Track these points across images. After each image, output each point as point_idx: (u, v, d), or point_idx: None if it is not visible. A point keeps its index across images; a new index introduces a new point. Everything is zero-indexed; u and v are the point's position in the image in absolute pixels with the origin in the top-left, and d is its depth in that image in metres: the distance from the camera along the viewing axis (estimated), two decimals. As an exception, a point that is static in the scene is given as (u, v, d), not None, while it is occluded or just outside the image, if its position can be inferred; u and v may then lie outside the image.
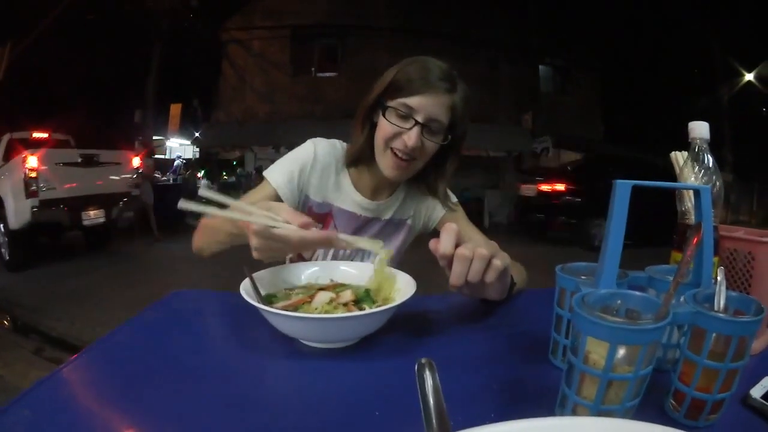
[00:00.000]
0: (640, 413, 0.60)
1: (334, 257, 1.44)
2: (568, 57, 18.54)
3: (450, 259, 0.88)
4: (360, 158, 1.43)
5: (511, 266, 1.27)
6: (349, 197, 1.47)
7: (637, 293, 0.64)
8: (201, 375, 0.77)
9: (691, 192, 0.86)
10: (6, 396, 0.66)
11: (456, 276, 0.88)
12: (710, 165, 0.86)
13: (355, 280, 1.08)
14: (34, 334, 4.60)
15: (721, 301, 0.63)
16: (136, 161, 8.86)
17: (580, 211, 10.09)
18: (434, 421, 0.38)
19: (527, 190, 11.61)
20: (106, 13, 14.97)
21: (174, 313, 1.11)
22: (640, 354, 0.54)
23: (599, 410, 0.57)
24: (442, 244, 0.89)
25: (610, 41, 18.04)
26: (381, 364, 0.83)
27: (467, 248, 0.88)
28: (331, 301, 0.93)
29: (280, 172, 1.41)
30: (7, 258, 7.13)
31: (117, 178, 8.28)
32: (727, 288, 0.64)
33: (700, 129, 0.86)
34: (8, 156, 7.50)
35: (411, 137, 1.25)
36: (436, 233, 1.46)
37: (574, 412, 0.60)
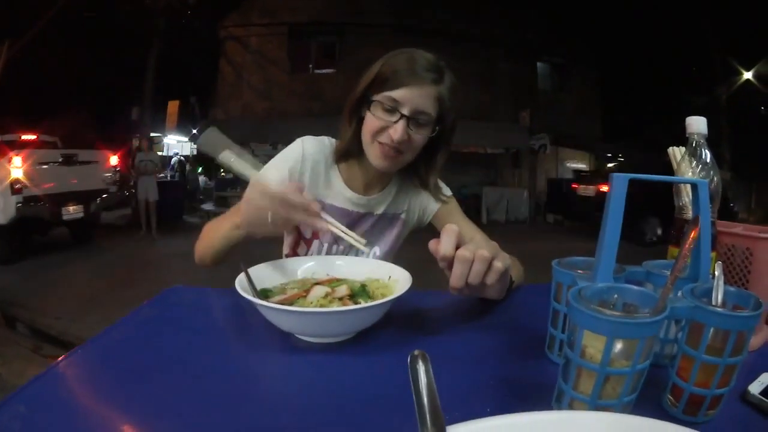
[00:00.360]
0: (637, 409, 0.60)
1: (329, 252, 1.43)
2: (566, 54, 18.56)
3: (450, 261, 0.87)
4: (349, 153, 1.42)
5: (510, 264, 1.27)
6: (340, 194, 1.46)
7: (635, 287, 0.63)
8: (197, 370, 0.77)
9: (688, 186, 0.85)
10: (4, 394, 0.66)
11: (456, 278, 0.87)
12: (708, 160, 0.86)
13: (351, 275, 1.08)
14: (32, 332, 4.60)
15: (719, 295, 0.62)
16: (114, 159, 9.55)
17: (635, 209, 10.28)
18: (427, 413, 0.38)
19: (585, 190, 12.43)
20: (103, 10, 14.94)
21: (170, 309, 1.11)
22: (637, 348, 0.54)
23: (596, 405, 0.56)
24: (443, 246, 0.87)
25: (609, 38, 18.05)
26: (377, 358, 0.83)
27: (468, 250, 0.87)
28: (327, 295, 0.93)
29: (271, 174, 1.40)
30: (-2, 252, 7.62)
31: (95, 175, 8.95)
32: (725, 283, 0.63)
33: (697, 124, 0.86)
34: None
35: (397, 131, 1.24)
36: (431, 227, 1.45)
37: (570, 407, 0.59)
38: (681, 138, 0.90)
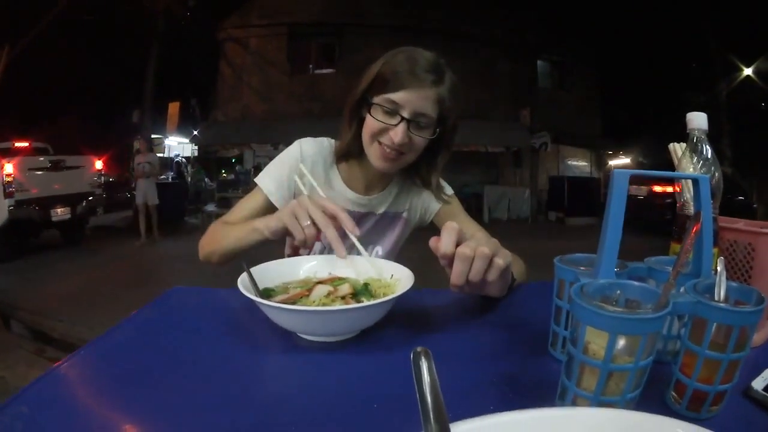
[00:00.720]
0: (641, 405, 0.59)
1: (330, 253, 1.44)
2: (566, 52, 18.56)
3: (451, 259, 0.87)
4: (350, 153, 1.42)
5: (512, 261, 1.27)
6: (340, 194, 1.46)
7: (637, 283, 0.63)
8: (199, 371, 0.77)
9: (690, 182, 0.85)
10: (7, 398, 0.67)
11: (457, 275, 0.87)
12: (709, 155, 0.85)
13: (353, 274, 1.08)
14: (33, 334, 4.60)
15: (721, 291, 0.62)
16: (99, 164, 10.22)
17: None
18: (431, 410, 0.38)
19: (637, 191, 12.62)
20: (102, 13, 14.95)
21: (172, 310, 1.11)
22: (640, 344, 0.54)
23: (600, 401, 0.56)
24: (443, 243, 0.87)
25: (608, 35, 18.04)
26: (380, 357, 0.83)
27: (468, 247, 0.87)
28: (329, 294, 0.93)
29: (270, 178, 1.42)
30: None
31: (81, 179, 9.56)
32: (727, 278, 0.63)
33: (698, 120, 0.86)
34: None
35: (397, 134, 1.23)
36: (433, 227, 1.45)
37: (574, 404, 0.59)
38: (681, 134, 0.90)
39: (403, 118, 1.23)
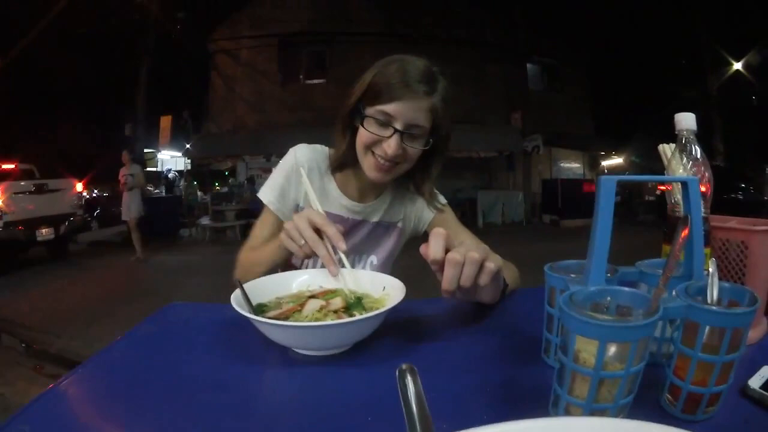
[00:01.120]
0: (635, 409, 0.59)
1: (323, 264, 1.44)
2: (556, 54, 18.63)
3: (441, 264, 0.88)
4: (345, 164, 1.42)
5: (504, 267, 1.27)
6: (336, 201, 1.46)
7: (627, 289, 0.63)
8: (197, 387, 0.77)
9: (680, 184, 0.85)
10: (8, 415, 0.67)
11: (448, 281, 0.87)
12: (698, 156, 0.85)
13: (345, 286, 1.07)
14: (33, 352, 4.59)
15: (713, 293, 0.62)
16: (79, 186, 11.00)
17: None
18: (418, 427, 0.37)
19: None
20: (92, 26, 14.97)
21: (168, 326, 1.11)
22: (630, 351, 0.54)
23: (592, 409, 0.56)
24: (432, 249, 0.88)
25: (598, 36, 18.13)
26: (373, 369, 0.82)
27: (458, 252, 0.87)
28: (321, 308, 0.93)
29: (270, 189, 1.43)
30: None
31: (63, 201, 10.17)
32: (720, 280, 0.63)
33: (686, 120, 0.86)
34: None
35: (391, 146, 1.23)
36: (426, 236, 1.45)
37: (567, 412, 0.59)
38: (673, 132, 0.90)
39: (396, 130, 1.23)
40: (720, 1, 15.39)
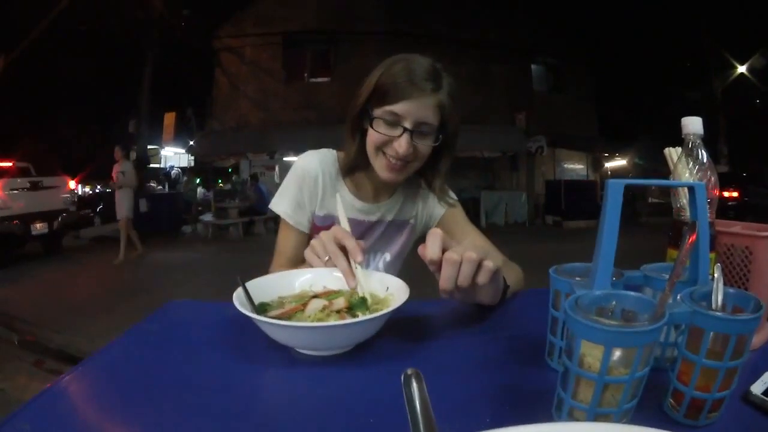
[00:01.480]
0: (638, 414, 0.59)
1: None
2: (560, 54, 18.60)
3: (439, 264, 0.88)
4: (356, 166, 1.42)
5: (507, 268, 1.27)
6: (349, 204, 1.46)
7: (633, 294, 0.63)
8: (197, 385, 0.77)
9: (686, 189, 0.85)
10: (8, 410, 0.67)
11: (445, 280, 0.88)
12: (704, 160, 0.85)
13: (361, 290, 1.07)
14: (33, 347, 4.59)
15: (718, 298, 0.62)
16: (72, 184, 11.46)
17: (742, 209, 12.92)
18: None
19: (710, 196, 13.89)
20: (97, 24, 14.98)
21: (170, 324, 1.10)
22: (635, 356, 0.53)
23: (596, 413, 0.56)
24: (429, 249, 0.88)
25: (602, 36, 18.10)
26: (376, 370, 0.82)
27: (456, 252, 0.87)
28: (324, 308, 0.92)
29: (285, 200, 1.43)
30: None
31: (56, 198, 10.66)
32: (724, 285, 0.63)
33: (693, 124, 0.85)
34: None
35: (402, 145, 1.24)
36: None
37: (570, 416, 0.59)
38: (677, 134, 0.89)
39: (405, 129, 1.24)
40: (725, 3, 15.35)
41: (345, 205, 1.43)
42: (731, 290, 0.64)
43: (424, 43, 13.96)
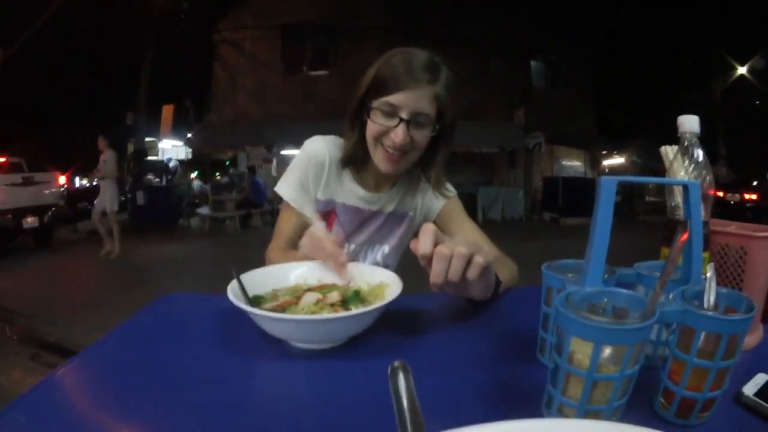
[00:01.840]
0: (628, 412, 0.59)
1: None
2: (560, 52, 18.58)
3: (430, 259, 0.88)
4: (355, 158, 1.43)
5: (500, 264, 1.27)
6: (351, 192, 1.47)
7: (624, 291, 0.63)
8: (192, 378, 0.77)
9: (680, 187, 0.84)
10: (3, 402, 0.67)
11: (435, 274, 0.88)
12: (700, 159, 0.85)
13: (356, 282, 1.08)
14: (30, 340, 4.58)
15: (710, 298, 0.62)
16: (62, 179, 11.84)
17: (760, 211, 13.75)
18: (408, 425, 0.37)
19: (732, 197, 15.14)
20: (96, 16, 14.94)
21: (165, 317, 1.11)
22: (625, 354, 0.53)
23: (585, 410, 0.56)
24: (421, 244, 0.89)
25: (602, 34, 18.09)
26: (369, 363, 0.83)
27: (446, 246, 0.88)
28: (318, 302, 0.93)
29: (289, 184, 1.45)
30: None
31: (47, 192, 10.91)
32: (717, 284, 0.63)
33: (689, 123, 0.85)
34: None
35: (398, 134, 1.25)
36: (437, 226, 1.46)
37: (560, 412, 0.59)
38: (675, 133, 0.89)
39: (402, 119, 1.25)
40: (725, 4, 15.35)
41: (348, 192, 1.45)
42: (724, 290, 0.64)
43: (423, 39, 13.93)
